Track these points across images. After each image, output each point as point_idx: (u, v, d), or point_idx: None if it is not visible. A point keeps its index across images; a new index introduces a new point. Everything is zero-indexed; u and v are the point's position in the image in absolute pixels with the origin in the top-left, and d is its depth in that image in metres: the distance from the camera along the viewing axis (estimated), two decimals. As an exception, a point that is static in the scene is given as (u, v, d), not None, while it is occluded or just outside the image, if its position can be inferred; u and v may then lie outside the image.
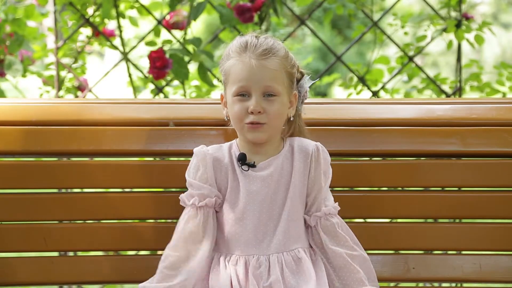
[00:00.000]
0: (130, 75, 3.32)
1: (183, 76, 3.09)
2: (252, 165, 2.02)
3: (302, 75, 2.07)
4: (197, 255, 1.97)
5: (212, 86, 3.22)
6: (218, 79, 3.29)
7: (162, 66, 3.07)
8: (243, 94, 1.98)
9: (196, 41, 3.10)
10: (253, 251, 1.98)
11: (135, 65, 3.34)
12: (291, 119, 2.06)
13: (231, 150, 2.05)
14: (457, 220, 2.53)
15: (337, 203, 2.06)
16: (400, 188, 2.29)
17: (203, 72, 3.11)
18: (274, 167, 2.02)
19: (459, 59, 3.38)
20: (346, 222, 2.08)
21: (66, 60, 3.36)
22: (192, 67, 3.22)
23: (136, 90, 3.36)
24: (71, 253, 2.81)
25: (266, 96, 1.98)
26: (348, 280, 2.00)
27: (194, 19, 3.05)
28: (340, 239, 2.02)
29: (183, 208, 2.05)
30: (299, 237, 2.02)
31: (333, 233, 2.02)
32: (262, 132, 1.99)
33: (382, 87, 3.38)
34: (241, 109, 1.98)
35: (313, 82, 2.08)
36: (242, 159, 2.02)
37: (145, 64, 3.23)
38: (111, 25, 3.46)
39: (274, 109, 1.98)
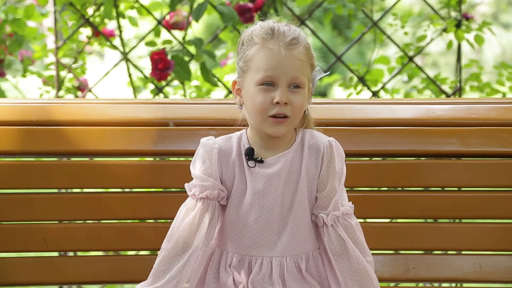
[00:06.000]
0: (130, 75, 3.32)
1: (185, 77, 3.09)
2: (260, 161, 1.92)
3: (314, 67, 1.99)
4: (193, 245, 1.89)
5: (216, 85, 3.21)
6: (218, 79, 3.29)
7: (164, 67, 3.07)
8: (268, 83, 1.88)
9: (198, 41, 3.09)
10: (256, 252, 1.92)
11: (135, 65, 3.34)
12: (306, 112, 1.96)
13: (240, 143, 1.95)
14: (457, 220, 2.53)
15: (350, 202, 1.96)
16: (400, 188, 2.29)
17: (206, 73, 3.11)
18: (282, 164, 1.92)
19: (459, 59, 3.38)
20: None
21: (66, 60, 3.36)
22: (192, 67, 3.22)
23: (136, 90, 3.36)
24: (71, 253, 2.81)
25: (291, 87, 1.88)
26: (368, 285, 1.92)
27: (196, 20, 3.05)
28: (357, 243, 1.93)
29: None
30: (306, 240, 1.93)
31: (351, 235, 1.93)
32: (284, 126, 1.89)
33: (382, 87, 3.38)
34: (265, 99, 1.87)
35: (324, 75, 2.00)
36: (249, 154, 1.93)
37: (144, 64, 3.23)
38: (111, 25, 3.46)
39: (298, 101, 1.89)
